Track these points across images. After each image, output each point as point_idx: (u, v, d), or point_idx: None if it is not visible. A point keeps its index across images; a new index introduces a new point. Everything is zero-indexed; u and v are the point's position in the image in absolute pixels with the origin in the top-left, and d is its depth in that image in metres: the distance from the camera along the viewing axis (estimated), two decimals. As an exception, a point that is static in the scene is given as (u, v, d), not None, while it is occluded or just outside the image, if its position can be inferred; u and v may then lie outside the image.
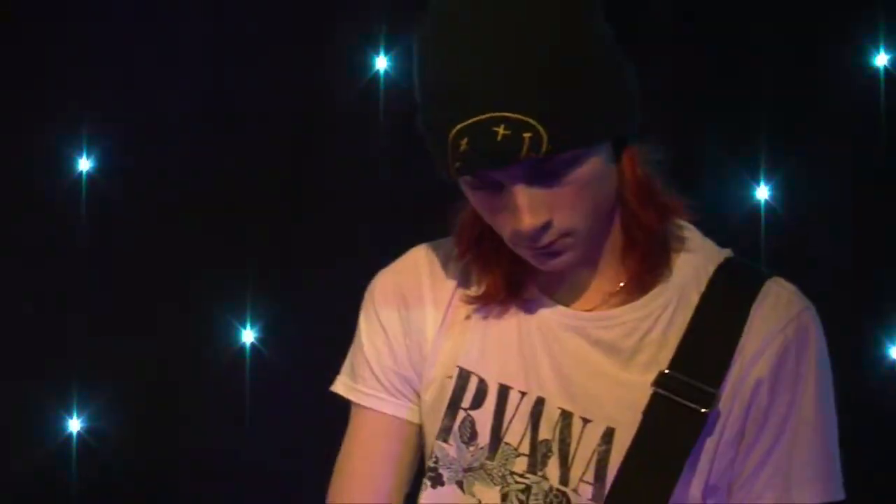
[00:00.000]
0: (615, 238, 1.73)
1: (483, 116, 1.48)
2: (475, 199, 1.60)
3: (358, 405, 1.80)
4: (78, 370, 2.90)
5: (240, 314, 2.82)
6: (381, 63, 2.81)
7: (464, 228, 1.76)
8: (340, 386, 1.80)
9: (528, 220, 1.54)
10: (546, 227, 1.57)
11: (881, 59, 2.68)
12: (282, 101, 2.86)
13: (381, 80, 2.83)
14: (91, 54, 2.85)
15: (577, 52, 1.50)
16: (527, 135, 1.49)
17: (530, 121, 1.49)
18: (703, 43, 2.74)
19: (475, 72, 1.49)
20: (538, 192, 1.53)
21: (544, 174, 1.53)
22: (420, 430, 1.82)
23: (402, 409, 1.80)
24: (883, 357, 2.65)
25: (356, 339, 1.84)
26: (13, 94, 2.88)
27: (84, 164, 2.85)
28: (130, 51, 2.86)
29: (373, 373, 1.79)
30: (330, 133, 2.86)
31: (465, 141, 1.51)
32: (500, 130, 1.51)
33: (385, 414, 1.79)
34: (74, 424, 2.88)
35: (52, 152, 2.88)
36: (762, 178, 2.74)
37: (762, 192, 2.72)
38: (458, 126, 1.50)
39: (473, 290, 1.79)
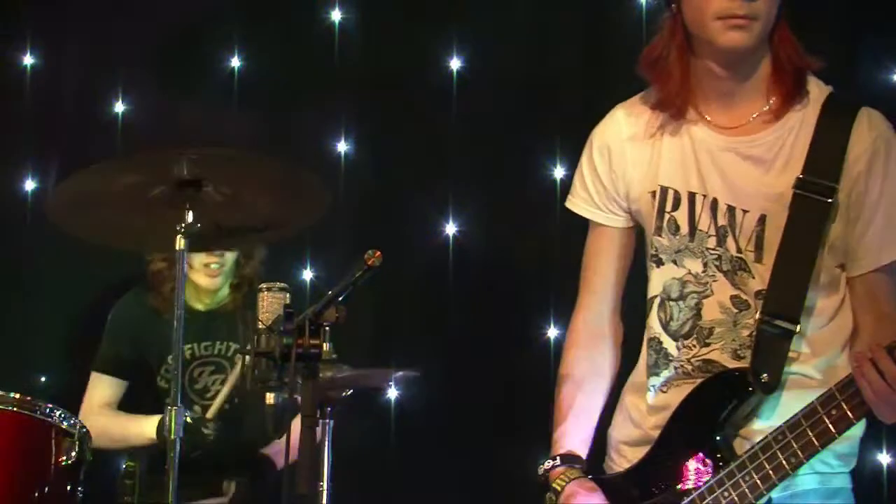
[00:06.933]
0: (763, 73, 2.32)
1: None
2: None
3: (593, 223, 2.50)
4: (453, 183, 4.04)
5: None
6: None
7: (647, 57, 2.38)
8: (568, 202, 2.56)
9: None
10: None
11: None
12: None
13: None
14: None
15: None
16: None
17: None
18: None
19: None
20: None
21: None
22: (630, 233, 2.49)
23: (612, 220, 2.50)
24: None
25: (578, 170, 2.53)
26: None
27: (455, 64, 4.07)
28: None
29: (589, 195, 2.50)
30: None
31: None
32: None
33: (600, 223, 2.51)
34: (450, 228, 3.97)
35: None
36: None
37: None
38: None
39: (653, 101, 2.38)
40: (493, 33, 4.03)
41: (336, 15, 4.22)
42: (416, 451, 3.95)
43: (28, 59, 4.51)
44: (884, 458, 3.52)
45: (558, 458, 2.45)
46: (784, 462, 2.22)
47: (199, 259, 3.53)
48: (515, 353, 3.89)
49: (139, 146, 4.15)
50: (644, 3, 3.85)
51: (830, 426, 2.19)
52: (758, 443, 2.27)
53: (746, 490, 2.25)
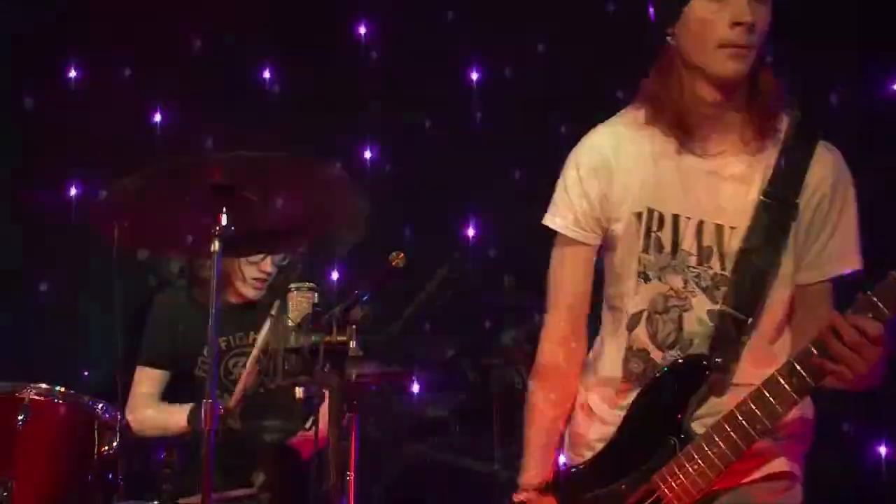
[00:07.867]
0: (744, 101, 2.41)
1: None
2: (703, 11, 2.31)
3: (562, 235, 2.51)
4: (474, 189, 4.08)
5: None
6: None
7: (648, 91, 2.45)
8: (548, 221, 2.54)
9: (749, 17, 2.29)
10: (752, 28, 2.31)
11: None
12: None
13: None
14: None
15: None
16: None
17: None
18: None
19: None
20: (755, 5, 2.30)
21: None
22: (597, 249, 2.52)
23: (590, 238, 2.52)
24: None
25: (561, 190, 2.51)
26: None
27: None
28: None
29: (575, 215, 2.50)
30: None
31: None
32: None
33: (577, 241, 2.52)
34: (470, 231, 4.16)
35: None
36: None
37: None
38: None
39: (652, 130, 2.43)
40: (512, 46, 4.14)
41: (362, 28, 4.37)
42: (439, 447, 4.09)
43: (73, 73, 4.70)
44: (883, 450, 3.60)
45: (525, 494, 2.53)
46: (751, 430, 2.32)
47: (248, 272, 3.60)
48: (533, 354, 3.89)
49: (176, 153, 4.12)
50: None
51: (792, 392, 2.30)
52: (722, 417, 2.37)
53: (715, 459, 2.35)
